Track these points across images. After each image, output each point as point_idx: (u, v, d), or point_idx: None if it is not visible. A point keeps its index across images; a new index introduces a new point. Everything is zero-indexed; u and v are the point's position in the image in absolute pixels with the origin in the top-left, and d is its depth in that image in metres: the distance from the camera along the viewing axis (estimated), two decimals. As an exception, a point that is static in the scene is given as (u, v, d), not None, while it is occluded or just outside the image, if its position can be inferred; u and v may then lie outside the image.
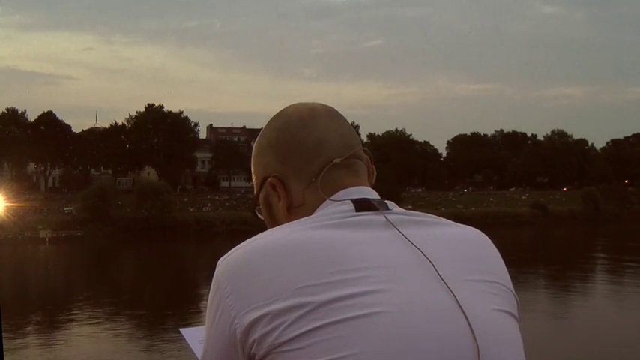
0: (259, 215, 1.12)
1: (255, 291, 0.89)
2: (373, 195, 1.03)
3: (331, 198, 1.01)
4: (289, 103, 1.11)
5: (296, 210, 1.04)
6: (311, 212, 1.01)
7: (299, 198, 1.04)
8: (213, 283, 0.94)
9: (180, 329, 1.35)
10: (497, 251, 1.03)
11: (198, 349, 1.26)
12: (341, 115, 1.10)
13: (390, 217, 0.97)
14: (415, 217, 1.00)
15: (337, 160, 1.03)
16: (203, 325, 1.26)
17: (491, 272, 0.98)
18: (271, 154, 1.06)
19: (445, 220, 1.03)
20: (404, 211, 1.01)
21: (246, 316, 0.88)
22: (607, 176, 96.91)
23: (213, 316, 0.93)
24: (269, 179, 1.06)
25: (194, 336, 1.31)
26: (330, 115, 1.08)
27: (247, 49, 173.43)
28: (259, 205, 1.11)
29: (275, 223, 1.07)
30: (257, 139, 1.11)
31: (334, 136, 1.06)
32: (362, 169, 1.07)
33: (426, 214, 1.02)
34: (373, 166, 1.11)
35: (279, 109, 1.12)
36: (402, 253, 0.93)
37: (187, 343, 1.31)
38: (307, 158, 1.04)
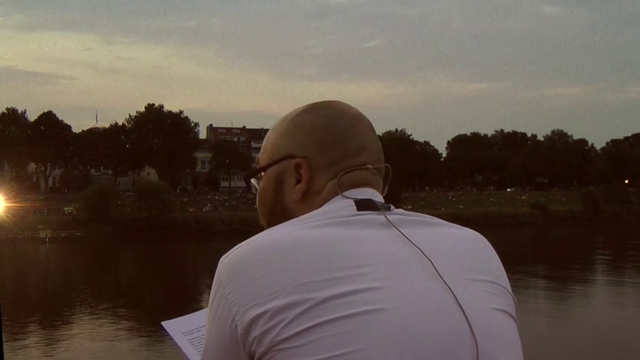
0: (254, 183, 1.12)
1: (255, 288, 0.89)
2: (377, 197, 1.04)
3: (344, 194, 1.02)
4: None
5: (310, 197, 1.04)
6: (322, 203, 1.02)
7: (319, 186, 1.04)
8: (214, 280, 0.94)
9: (162, 323, 1.30)
10: (495, 253, 1.05)
11: (182, 341, 1.26)
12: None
13: (390, 216, 0.98)
14: (415, 217, 1.01)
15: (369, 166, 1.05)
16: (185, 315, 1.26)
17: (490, 273, 0.99)
18: (311, 138, 1.05)
19: (444, 221, 1.04)
20: (404, 211, 1.02)
21: (247, 314, 0.89)
22: (607, 176, 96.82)
23: (215, 313, 0.93)
24: (297, 159, 1.04)
25: (177, 328, 1.29)
26: (370, 126, 1.11)
27: (247, 48, 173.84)
28: (258, 178, 1.11)
29: (275, 201, 1.07)
30: (292, 116, 1.09)
31: (374, 145, 1.08)
32: (380, 181, 1.09)
33: (426, 215, 1.03)
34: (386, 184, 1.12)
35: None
36: (402, 251, 0.94)
37: (171, 337, 1.28)
38: (347, 156, 1.05)
